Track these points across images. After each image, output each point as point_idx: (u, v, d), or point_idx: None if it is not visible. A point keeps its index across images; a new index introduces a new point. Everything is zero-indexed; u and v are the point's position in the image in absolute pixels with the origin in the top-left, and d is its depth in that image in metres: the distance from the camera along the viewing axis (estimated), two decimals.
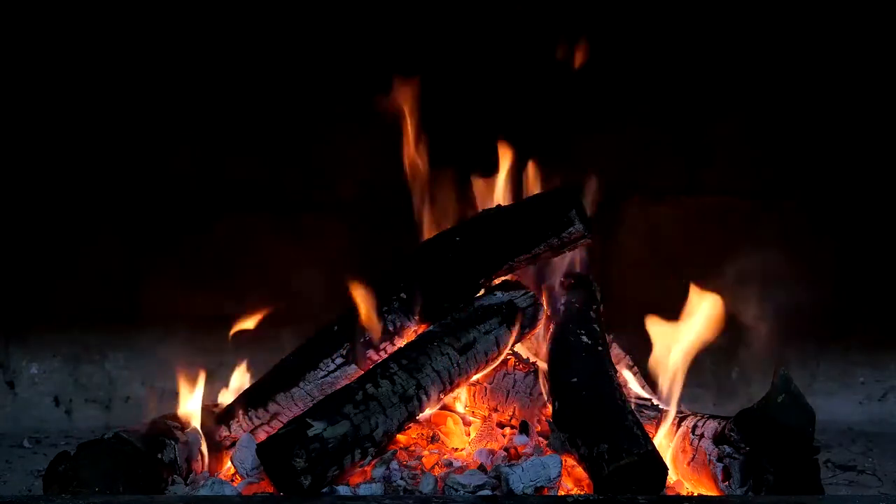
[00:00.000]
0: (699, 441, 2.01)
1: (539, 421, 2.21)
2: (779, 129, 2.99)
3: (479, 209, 2.41)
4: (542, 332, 2.31)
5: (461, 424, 2.24)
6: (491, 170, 2.47)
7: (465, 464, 2.06)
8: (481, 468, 2.00)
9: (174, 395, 2.29)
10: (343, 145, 2.96)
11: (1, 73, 2.91)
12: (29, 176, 2.98)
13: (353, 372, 2.18)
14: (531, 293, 2.27)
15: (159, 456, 2.02)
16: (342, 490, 1.90)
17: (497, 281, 2.29)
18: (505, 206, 2.32)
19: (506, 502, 1.85)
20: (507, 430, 2.23)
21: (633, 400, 2.19)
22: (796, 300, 2.99)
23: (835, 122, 2.98)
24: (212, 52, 2.93)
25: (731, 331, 2.75)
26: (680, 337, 2.25)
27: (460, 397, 2.30)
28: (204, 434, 2.15)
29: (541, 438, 2.15)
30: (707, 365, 3.00)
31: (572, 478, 1.99)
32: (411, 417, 2.05)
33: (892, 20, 2.89)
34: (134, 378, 3.04)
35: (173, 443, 2.08)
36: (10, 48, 2.90)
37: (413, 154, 2.49)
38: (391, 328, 2.22)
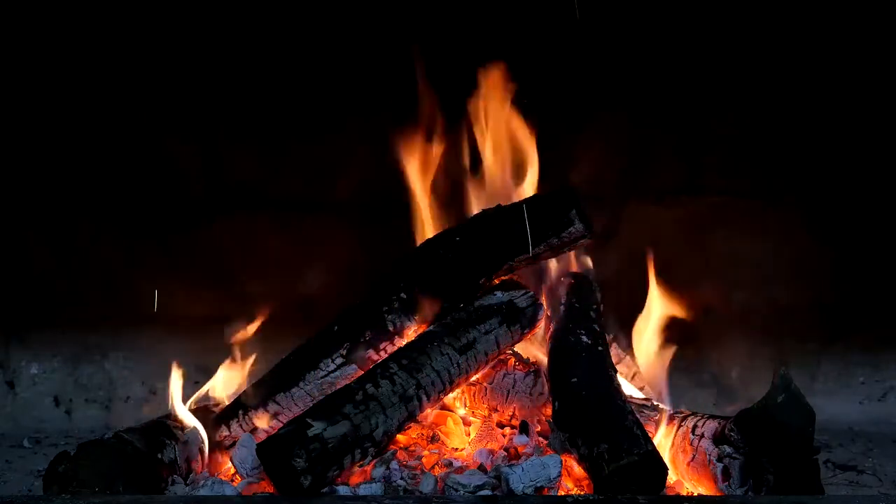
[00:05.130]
0: (699, 441, 2.01)
1: (539, 421, 2.21)
2: (779, 129, 2.99)
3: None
4: (542, 332, 2.31)
5: (461, 424, 2.24)
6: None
7: (465, 464, 2.06)
8: (481, 468, 2.00)
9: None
10: (343, 145, 2.95)
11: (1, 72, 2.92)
12: (29, 176, 2.98)
13: (353, 372, 2.18)
14: (531, 293, 2.26)
15: (159, 456, 2.02)
16: (342, 490, 1.90)
17: (497, 281, 2.29)
18: (505, 205, 2.32)
19: (506, 502, 1.84)
20: (507, 430, 2.23)
21: (632, 400, 2.19)
22: (796, 300, 3.00)
23: (834, 123, 2.98)
24: (214, 51, 2.93)
25: (731, 331, 2.78)
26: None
27: (460, 397, 2.30)
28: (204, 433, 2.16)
29: (541, 438, 2.15)
30: (707, 365, 3.00)
31: (572, 478, 1.99)
32: (411, 417, 2.05)
33: (891, 22, 2.90)
34: (134, 378, 3.04)
35: (173, 443, 2.08)
36: (9, 44, 2.90)
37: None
38: (391, 328, 2.22)
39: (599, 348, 2.19)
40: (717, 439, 1.96)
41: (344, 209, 3.00)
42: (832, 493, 2.19)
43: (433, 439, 2.18)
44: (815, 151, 3.00)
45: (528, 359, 2.32)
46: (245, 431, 2.16)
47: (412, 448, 2.13)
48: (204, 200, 3.02)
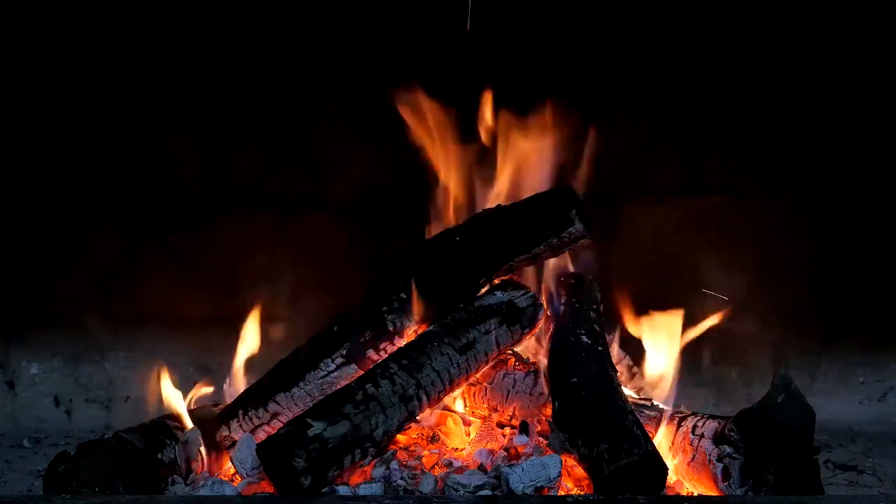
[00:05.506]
0: (699, 441, 2.01)
1: (539, 421, 2.21)
2: (779, 129, 2.99)
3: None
4: (542, 332, 2.31)
5: (461, 424, 2.24)
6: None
7: (465, 464, 2.06)
8: (481, 468, 2.00)
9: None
10: (343, 145, 2.95)
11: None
12: (29, 176, 2.98)
13: (353, 372, 2.18)
14: (531, 293, 2.26)
15: (159, 456, 2.02)
16: (342, 490, 1.90)
17: (497, 281, 2.28)
18: (505, 205, 2.32)
19: (506, 502, 1.84)
20: (507, 430, 2.23)
21: (633, 400, 2.19)
22: (796, 300, 2.99)
23: (834, 123, 2.98)
24: (214, 51, 2.93)
25: (731, 330, 2.77)
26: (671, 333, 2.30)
27: (460, 397, 2.30)
28: (203, 434, 2.16)
29: (541, 438, 2.15)
30: (707, 365, 3.00)
31: (572, 478, 1.99)
32: (411, 417, 2.05)
33: (890, 22, 2.90)
34: (134, 378, 3.04)
35: (173, 443, 2.08)
36: (10, 46, 2.90)
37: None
38: (391, 328, 2.22)
39: (599, 348, 2.19)
40: (717, 439, 1.96)
41: (344, 209, 3.00)
42: (832, 493, 2.19)
43: (433, 439, 2.18)
44: (816, 151, 3.00)
45: (528, 359, 2.32)
46: (245, 431, 2.16)
47: (412, 448, 2.13)
48: (204, 200, 3.01)
